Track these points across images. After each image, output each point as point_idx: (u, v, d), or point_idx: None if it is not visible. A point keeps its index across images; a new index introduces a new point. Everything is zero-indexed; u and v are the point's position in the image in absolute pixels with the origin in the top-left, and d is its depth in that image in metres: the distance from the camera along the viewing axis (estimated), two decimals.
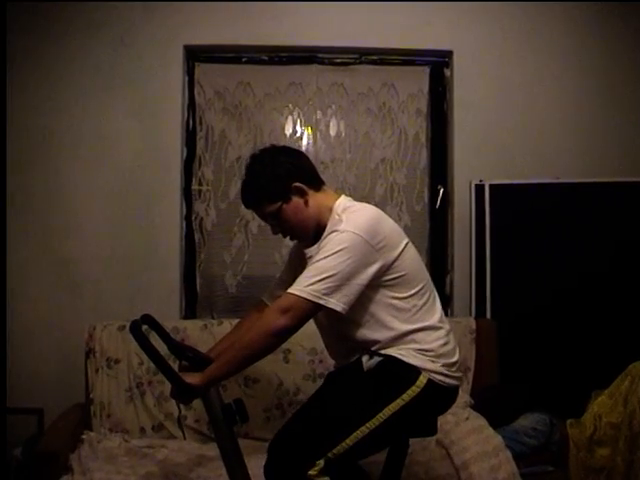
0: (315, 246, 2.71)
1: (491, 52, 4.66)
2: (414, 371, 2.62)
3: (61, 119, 4.52)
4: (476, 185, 4.48)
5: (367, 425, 2.55)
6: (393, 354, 2.63)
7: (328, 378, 3.05)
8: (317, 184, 2.82)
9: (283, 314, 2.51)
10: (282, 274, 3.15)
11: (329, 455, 2.51)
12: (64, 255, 4.52)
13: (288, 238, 2.90)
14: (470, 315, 4.46)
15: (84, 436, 3.84)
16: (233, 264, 4.68)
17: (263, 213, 2.80)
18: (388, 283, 2.64)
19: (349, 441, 2.53)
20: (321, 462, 2.50)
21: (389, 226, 2.69)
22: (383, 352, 2.65)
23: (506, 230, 4.44)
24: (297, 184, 2.73)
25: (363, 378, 2.67)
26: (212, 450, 3.42)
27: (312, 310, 2.54)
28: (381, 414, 2.56)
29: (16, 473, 4.08)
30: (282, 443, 2.63)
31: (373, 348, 2.66)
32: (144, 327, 2.72)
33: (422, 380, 2.60)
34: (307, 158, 2.89)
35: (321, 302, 2.49)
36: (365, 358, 2.68)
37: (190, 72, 4.68)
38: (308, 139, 4.74)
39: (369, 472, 2.96)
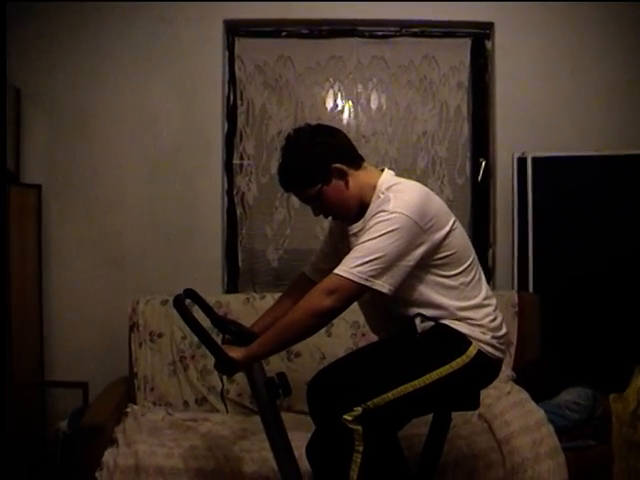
0: (359, 222, 2.69)
1: (532, 23, 4.60)
2: (465, 341, 2.59)
3: (103, 96, 4.55)
4: (518, 158, 4.45)
5: (412, 383, 2.51)
6: (444, 321, 2.61)
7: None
8: (357, 162, 2.75)
9: (328, 295, 2.48)
10: (323, 246, 3.11)
11: (368, 404, 2.46)
12: (107, 231, 4.56)
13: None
14: (512, 288, 4.45)
15: (128, 409, 3.89)
16: (275, 238, 4.69)
17: (303, 196, 2.76)
18: (436, 262, 2.60)
19: (391, 395, 2.49)
20: (359, 409, 2.46)
21: (437, 205, 2.63)
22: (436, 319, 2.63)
23: (549, 203, 4.40)
24: (337, 165, 2.66)
25: (415, 338, 2.62)
26: (255, 423, 3.43)
27: (358, 292, 2.50)
28: (428, 376, 2.52)
29: (62, 445, 4.14)
30: (323, 382, 2.60)
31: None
32: (187, 301, 2.73)
33: (472, 351, 2.58)
34: (344, 135, 2.81)
35: (367, 284, 2.46)
36: (418, 320, 2.62)
37: (230, 47, 4.67)
38: (349, 113, 4.72)
39: (412, 444, 2.99)
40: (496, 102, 4.62)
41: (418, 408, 2.68)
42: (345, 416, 2.45)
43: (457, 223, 2.68)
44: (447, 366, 2.55)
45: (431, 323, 2.62)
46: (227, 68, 4.66)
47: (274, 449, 2.79)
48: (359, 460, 2.46)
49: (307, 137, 2.71)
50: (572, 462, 3.40)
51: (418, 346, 2.61)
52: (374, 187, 2.68)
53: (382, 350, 2.72)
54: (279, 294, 3.23)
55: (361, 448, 2.46)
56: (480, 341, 2.61)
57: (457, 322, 2.61)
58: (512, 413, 3.54)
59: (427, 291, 2.62)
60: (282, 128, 4.59)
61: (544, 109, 4.59)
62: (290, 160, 2.72)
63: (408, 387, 2.51)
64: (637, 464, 3.56)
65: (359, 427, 2.45)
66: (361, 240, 2.52)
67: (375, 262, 2.45)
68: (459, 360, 2.57)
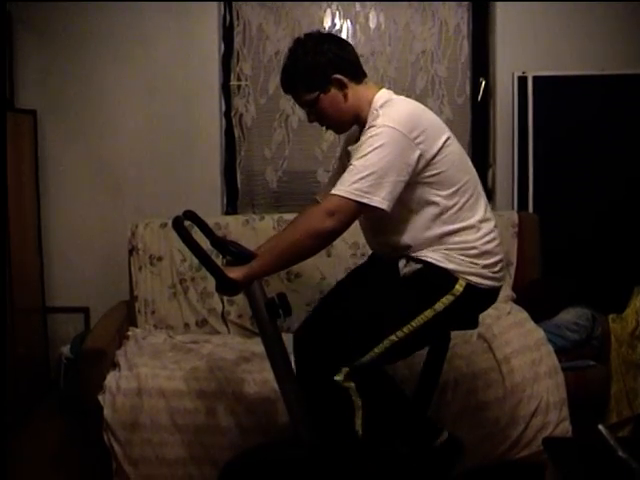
0: (359, 141, 2.65)
1: None
2: (451, 277, 2.58)
3: (97, 18, 4.47)
4: (519, 77, 4.41)
5: (397, 334, 2.54)
6: (430, 259, 2.59)
7: (359, 273, 3.05)
8: (359, 77, 2.74)
9: (329, 217, 2.45)
10: (334, 171, 3.09)
11: (355, 363, 2.53)
12: (104, 154, 4.54)
13: (326, 131, 2.85)
14: (512, 209, 4.44)
15: (129, 333, 3.92)
16: (273, 159, 4.67)
17: (300, 100, 2.75)
18: (428, 180, 2.57)
19: (377, 350, 2.54)
20: (346, 369, 2.52)
21: (429, 120, 2.61)
22: (421, 256, 2.61)
23: (550, 123, 4.37)
24: (337, 76, 2.65)
25: (397, 284, 2.65)
26: (256, 345, 3.45)
27: (357, 210, 2.48)
28: (413, 323, 2.55)
29: (65, 370, 4.18)
30: (307, 347, 2.66)
31: (414, 248, 2.63)
32: (186, 223, 2.72)
33: (458, 288, 2.58)
34: (352, 49, 2.79)
35: (365, 201, 2.44)
36: (402, 263, 2.65)
37: None
38: (347, 32, 4.64)
39: (412, 364, 3.00)
40: (496, 20, 4.53)
41: (411, 350, 2.73)
42: (336, 377, 2.51)
43: (452, 140, 2.65)
44: (430, 309, 2.56)
45: (415, 266, 2.62)
46: None
47: (275, 370, 2.80)
48: (361, 413, 2.55)
49: (314, 43, 2.69)
50: (571, 382, 3.44)
51: (400, 293, 2.63)
52: (370, 103, 2.67)
53: (363, 304, 2.70)
54: (278, 215, 3.22)
55: (360, 402, 2.55)
56: (468, 274, 2.59)
57: (440, 258, 2.59)
58: (512, 333, 3.56)
59: (420, 210, 2.60)
60: (279, 48, 4.52)
61: (546, 27, 4.50)
62: (293, 63, 2.70)
63: (393, 338, 2.55)
64: (635, 384, 3.61)
65: (352, 384, 2.53)
66: (354, 158, 2.51)
67: (369, 178, 2.43)
68: (444, 300, 2.57)
